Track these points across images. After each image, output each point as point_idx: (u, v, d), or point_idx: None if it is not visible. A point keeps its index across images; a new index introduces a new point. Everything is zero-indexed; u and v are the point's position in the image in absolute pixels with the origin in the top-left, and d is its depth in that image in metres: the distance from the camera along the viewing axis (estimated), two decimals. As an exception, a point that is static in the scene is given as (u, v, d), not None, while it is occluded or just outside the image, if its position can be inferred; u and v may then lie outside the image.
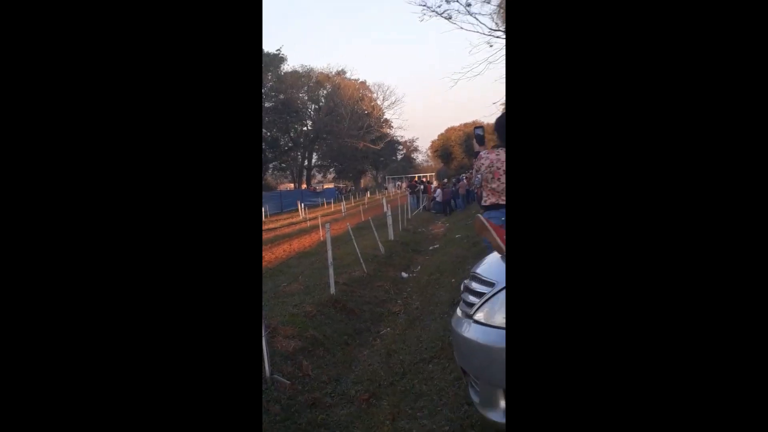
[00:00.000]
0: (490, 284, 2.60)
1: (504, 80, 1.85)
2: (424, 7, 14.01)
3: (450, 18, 13.98)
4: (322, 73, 41.87)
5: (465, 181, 24.00)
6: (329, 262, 7.14)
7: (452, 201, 22.94)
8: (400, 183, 39.88)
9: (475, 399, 2.67)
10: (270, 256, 11.87)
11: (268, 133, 40.28)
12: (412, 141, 57.47)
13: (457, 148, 50.08)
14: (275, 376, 4.23)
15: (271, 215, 26.75)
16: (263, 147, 40.58)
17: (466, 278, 2.96)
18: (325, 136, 41.58)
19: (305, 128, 42.54)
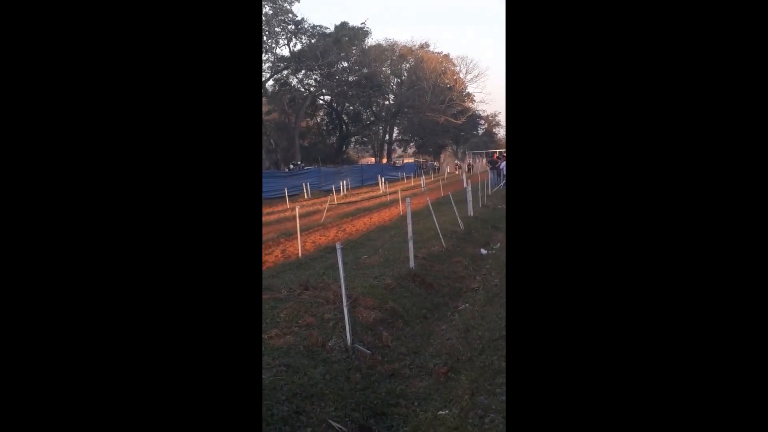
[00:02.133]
0: None
1: None
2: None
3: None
4: (405, 46, 41.62)
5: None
6: (409, 236, 7.19)
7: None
8: (459, 162, 40.76)
9: None
10: (351, 228, 12.10)
11: (351, 107, 40.72)
12: (495, 115, 56.23)
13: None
14: (356, 345, 4.35)
15: (352, 189, 27.18)
16: (345, 120, 41.10)
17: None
18: (406, 110, 41.48)
19: (387, 102, 42.61)
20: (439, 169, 38.44)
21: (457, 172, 37.59)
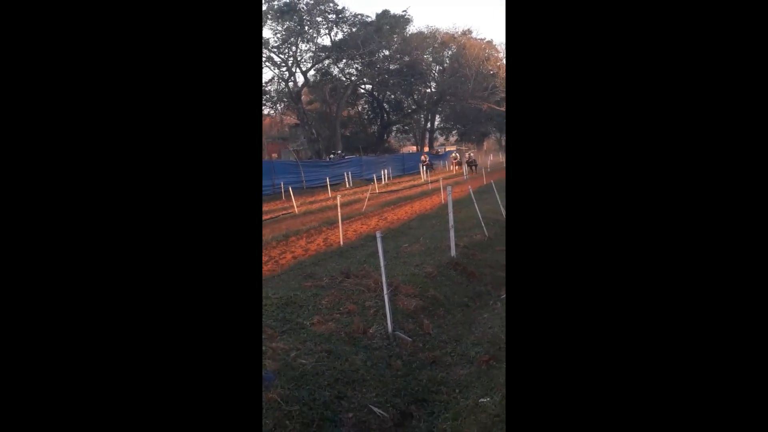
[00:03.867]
0: None
1: None
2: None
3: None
4: (447, 33, 41.12)
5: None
6: (450, 224, 7.15)
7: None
8: (458, 155, 35.84)
9: None
10: (392, 216, 12.12)
11: (392, 96, 40.60)
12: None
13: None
14: (397, 332, 4.37)
15: (393, 177, 27.20)
16: (386, 109, 41.03)
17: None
18: (448, 97, 41.06)
19: (429, 90, 42.31)
20: (474, 165, 29.63)
21: (455, 170, 30.80)
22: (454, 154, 33.20)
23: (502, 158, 38.70)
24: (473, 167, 28.23)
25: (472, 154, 31.63)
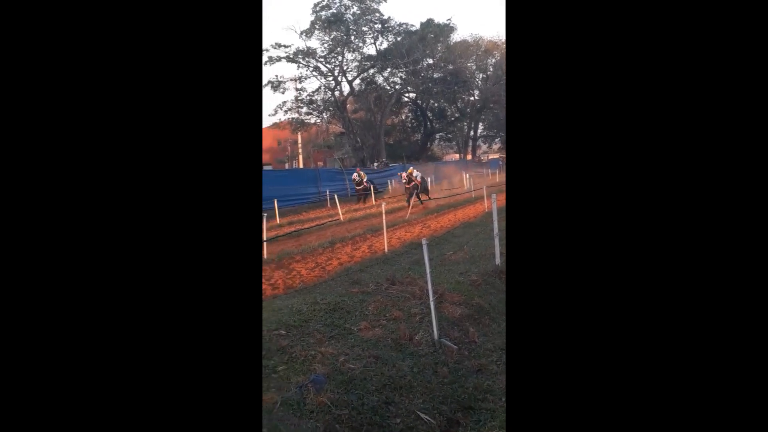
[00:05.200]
0: None
1: None
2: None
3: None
4: (491, 41, 40.92)
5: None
6: (495, 232, 7.13)
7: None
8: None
9: None
10: (435, 224, 12.13)
11: (436, 104, 40.59)
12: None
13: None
14: (443, 340, 4.40)
15: (436, 185, 27.17)
16: (430, 117, 41.03)
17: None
18: (491, 105, 40.78)
19: (472, 98, 42.12)
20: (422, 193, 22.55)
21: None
22: (405, 173, 17.93)
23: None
24: (417, 195, 16.84)
25: (418, 174, 17.45)
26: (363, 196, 20.24)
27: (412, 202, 15.90)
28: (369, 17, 31.69)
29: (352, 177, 21.12)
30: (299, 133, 34.76)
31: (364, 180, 20.80)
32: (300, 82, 32.51)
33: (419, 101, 40.51)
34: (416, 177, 17.07)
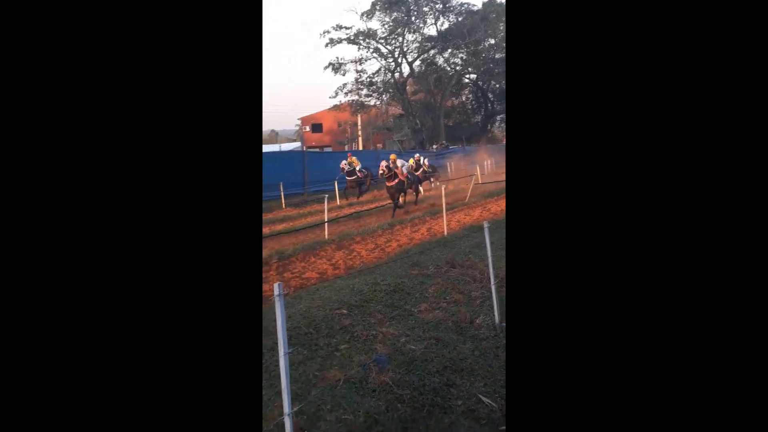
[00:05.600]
0: None
1: None
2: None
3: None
4: (556, 19, 39.70)
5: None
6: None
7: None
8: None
9: None
10: (496, 208, 11.97)
11: (497, 85, 39.83)
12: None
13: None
14: (504, 324, 4.35)
15: (496, 167, 26.77)
16: (490, 99, 40.30)
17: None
18: (555, 86, 39.74)
19: (535, 78, 41.11)
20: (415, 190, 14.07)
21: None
22: (384, 164, 11.74)
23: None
24: (403, 191, 12.19)
25: (404, 165, 12.47)
26: (356, 190, 15.62)
27: (401, 201, 11.90)
28: (430, -3, 31.31)
29: (341, 165, 15.40)
30: (359, 115, 34.95)
31: (357, 169, 15.51)
32: (360, 64, 32.64)
33: (480, 82, 39.84)
34: (402, 168, 11.82)
